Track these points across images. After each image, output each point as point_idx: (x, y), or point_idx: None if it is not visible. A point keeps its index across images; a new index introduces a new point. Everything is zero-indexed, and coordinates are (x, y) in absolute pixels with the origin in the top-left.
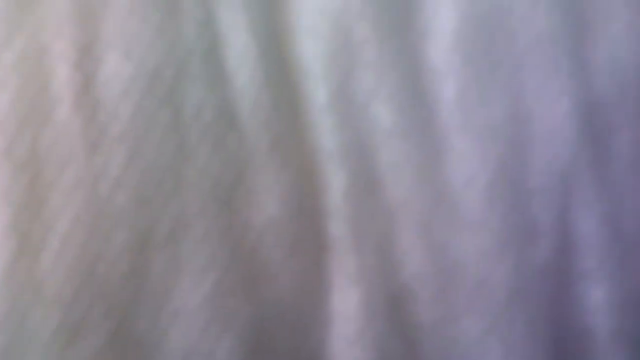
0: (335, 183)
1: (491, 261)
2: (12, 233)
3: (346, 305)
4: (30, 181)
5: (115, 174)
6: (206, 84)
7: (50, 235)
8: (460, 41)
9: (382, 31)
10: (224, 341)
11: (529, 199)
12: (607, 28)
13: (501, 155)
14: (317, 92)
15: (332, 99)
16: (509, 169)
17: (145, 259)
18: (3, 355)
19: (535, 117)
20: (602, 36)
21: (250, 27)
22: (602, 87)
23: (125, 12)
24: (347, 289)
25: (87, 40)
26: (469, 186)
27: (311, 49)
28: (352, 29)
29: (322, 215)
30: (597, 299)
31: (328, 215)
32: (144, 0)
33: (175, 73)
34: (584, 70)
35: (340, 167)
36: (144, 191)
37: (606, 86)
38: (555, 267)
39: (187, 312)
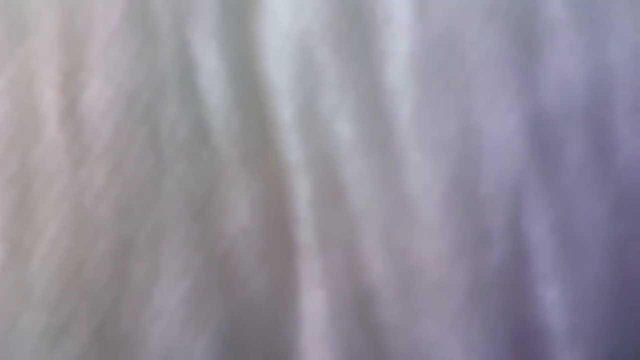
0: (302, 193)
1: (448, 265)
2: (3, 240)
3: (314, 307)
4: (20, 193)
5: (98, 187)
6: (181, 104)
7: (39, 243)
8: (415, 63)
9: (343, 54)
10: (200, 340)
11: (482, 207)
12: (553, 46)
13: (455, 167)
14: (284, 110)
15: (298, 116)
16: (462, 180)
17: (126, 264)
18: None
19: (486, 131)
20: (549, 54)
21: (221, 51)
22: (550, 102)
23: (106, 40)
24: (314, 291)
25: (72, 66)
26: (426, 195)
27: (277, 70)
28: (315, 52)
29: (290, 223)
30: (551, 300)
31: (295, 223)
32: (124, 29)
33: (152, 95)
34: (531, 87)
35: (306, 179)
36: (125, 202)
37: (554, 101)
38: (510, 270)
39: (166, 313)
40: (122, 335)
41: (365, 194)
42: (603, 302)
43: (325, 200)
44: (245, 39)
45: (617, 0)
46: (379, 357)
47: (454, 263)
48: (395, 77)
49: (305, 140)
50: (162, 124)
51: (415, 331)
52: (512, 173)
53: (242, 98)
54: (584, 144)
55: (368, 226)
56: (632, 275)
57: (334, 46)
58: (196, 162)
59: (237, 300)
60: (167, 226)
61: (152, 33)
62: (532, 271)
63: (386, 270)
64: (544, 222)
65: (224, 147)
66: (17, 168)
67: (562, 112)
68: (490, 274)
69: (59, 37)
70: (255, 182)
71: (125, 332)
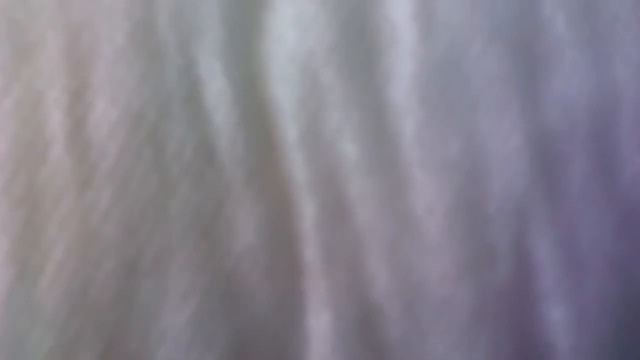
0: (307, 212)
1: (453, 282)
2: (12, 261)
3: (320, 325)
4: (28, 215)
5: (105, 207)
6: (186, 124)
7: (46, 263)
8: (418, 83)
9: (347, 75)
10: (207, 359)
11: (487, 225)
12: (557, 66)
13: (459, 186)
14: (289, 130)
15: (303, 136)
16: (466, 199)
17: (132, 284)
18: None
19: (489, 151)
20: (553, 74)
21: (226, 72)
22: (553, 121)
23: (112, 61)
24: (320, 309)
25: (78, 87)
26: (430, 214)
27: (282, 91)
28: (320, 73)
29: (296, 242)
30: (555, 317)
31: (301, 242)
32: (129, 49)
33: (158, 115)
34: (535, 107)
35: (311, 198)
36: (131, 223)
37: (557, 120)
38: (514, 288)
39: (172, 332)
40: (129, 354)
41: (369, 212)
42: (607, 319)
43: (330, 219)
44: (251, 59)
45: (620, 20)
46: None
47: (459, 281)
48: (399, 97)
49: (310, 159)
50: (168, 144)
51: (420, 349)
52: (516, 192)
53: (247, 118)
54: (588, 163)
55: (373, 245)
56: (636, 292)
57: (338, 67)
58: (202, 181)
59: (243, 319)
60: (173, 245)
61: (157, 53)
62: (536, 289)
63: (391, 289)
64: (548, 240)
65: (229, 166)
66: (24, 189)
67: (566, 131)
68: (494, 292)
69: (65, 57)
70: (261, 202)
71: (133, 351)
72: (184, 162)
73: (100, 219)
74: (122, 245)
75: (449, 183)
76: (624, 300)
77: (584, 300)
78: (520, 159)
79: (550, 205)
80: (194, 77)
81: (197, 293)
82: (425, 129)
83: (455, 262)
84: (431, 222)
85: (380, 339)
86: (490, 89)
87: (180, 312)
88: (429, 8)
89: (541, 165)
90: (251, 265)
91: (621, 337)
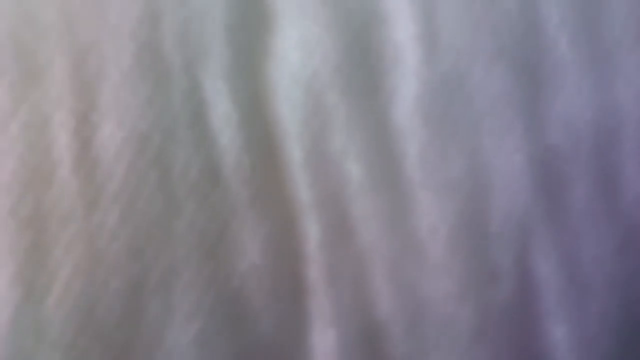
0: (312, 232)
1: (456, 301)
2: (19, 282)
3: (325, 344)
4: (35, 236)
5: (111, 228)
6: (192, 145)
7: (53, 284)
8: (422, 104)
9: (351, 96)
10: None
11: (489, 245)
12: (560, 87)
13: (461, 206)
14: (293, 151)
15: (307, 157)
16: (469, 219)
17: (138, 303)
18: None
19: (492, 171)
20: (556, 95)
21: (232, 94)
22: (556, 142)
23: (118, 83)
24: (324, 328)
25: (84, 109)
26: (433, 234)
27: (287, 112)
28: (324, 94)
29: (300, 262)
30: (558, 336)
31: (305, 262)
32: (136, 72)
33: (164, 137)
34: (538, 128)
35: (316, 218)
36: (137, 243)
37: (560, 141)
38: (517, 307)
39: (178, 351)
40: None
41: (373, 232)
42: (609, 337)
43: (334, 239)
44: (256, 81)
45: (622, 41)
46: None
47: (462, 299)
48: (402, 118)
49: (315, 180)
50: (174, 166)
51: None
52: (518, 211)
53: (252, 139)
54: (590, 183)
55: (377, 264)
56: (637, 311)
57: (342, 88)
58: (207, 202)
59: (248, 338)
60: (178, 266)
61: (163, 76)
62: (539, 307)
63: (395, 308)
64: (551, 259)
65: (234, 187)
66: (31, 211)
67: (568, 151)
68: (497, 311)
69: (72, 79)
70: (266, 222)
71: None
72: (189, 183)
73: (107, 239)
74: (128, 266)
75: (452, 203)
76: (625, 318)
77: (586, 318)
78: (523, 178)
79: (552, 225)
80: (200, 100)
81: (203, 312)
82: (429, 149)
83: (458, 280)
84: (434, 242)
85: (384, 357)
86: (494, 109)
87: (185, 331)
88: (432, 29)
89: (544, 184)
90: (256, 285)
91: (623, 355)
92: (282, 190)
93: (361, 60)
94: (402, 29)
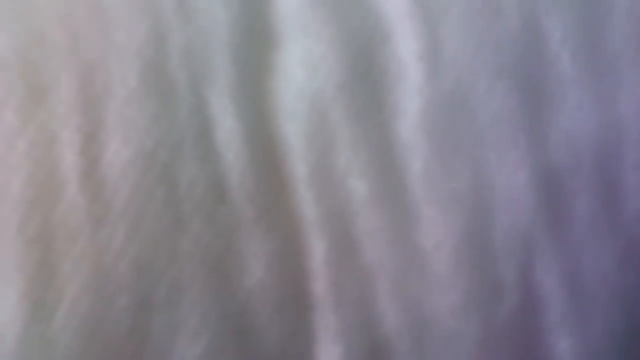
0: (317, 248)
1: (461, 316)
2: (27, 299)
3: (330, 359)
4: (42, 253)
5: (118, 245)
6: (198, 162)
7: (61, 301)
8: (426, 120)
9: (356, 112)
10: None
11: (493, 260)
12: (562, 102)
13: (466, 222)
14: (298, 167)
15: (312, 173)
16: (474, 234)
17: (145, 320)
18: None
19: (496, 187)
20: (558, 110)
21: (237, 111)
22: (559, 157)
23: (125, 101)
24: (330, 344)
25: (91, 127)
26: (438, 249)
27: (291, 129)
28: (328, 111)
29: (305, 278)
30: (562, 349)
31: (310, 278)
32: (142, 90)
33: (170, 154)
34: (541, 143)
35: (321, 234)
36: (144, 260)
37: (563, 156)
38: (522, 321)
39: None
40: None
41: (378, 248)
42: (612, 351)
43: (339, 255)
44: (261, 98)
45: (623, 55)
46: None
47: (466, 315)
48: (406, 134)
49: (320, 196)
50: (180, 183)
51: None
52: (522, 227)
53: (257, 156)
54: (593, 197)
55: (382, 280)
56: None
57: (346, 105)
58: (213, 219)
59: (254, 354)
60: (184, 282)
61: (169, 93)
62: (543, 321)
63: (400, 323)
64: (554, 274)
65: (239, 204)
66: (39, 229)
67: (571, 166)
68: (502, 325)
69: (78, 97)
70: (271, 238)
71: None
72: (195, 200)
73: (114, 256)
74: (135, 282)
75: (456, 218)
76: (628, 330)
77: (589, 332)
78: (527, 193)
79: (555, 239)
80: (205, 117)
81: (209, 328)
82: (433, 165)
83: (462, 296)
84: (439, 257)
85: None
86: (497, 126)
87: (192, 347)
88: (435, 46)
89: (547, 200)
90: (262, 301)
91: None
92: (287, 207)
93: (365, 77)
94: (405, 46)
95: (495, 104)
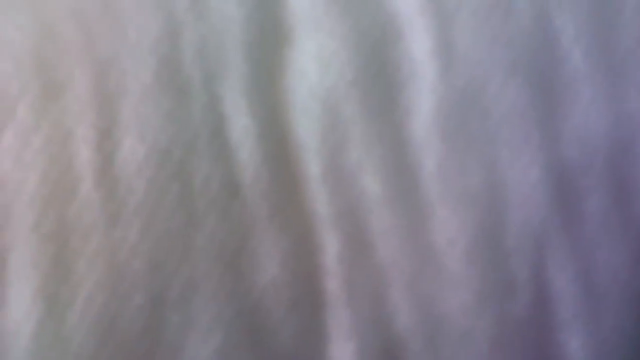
0: (330, 246)
1: (474, 314)
2: (41, 297)
3: (343, 356)
4: (57, 251)
5: (133, 242)
6: (212, 160)
7: (75, 298)
8: (439, 118)
9: (369, 110)
10: None
11: (506, 258)
12: (575, 99)
13: (479, 220)
14: (312, 165)
15: (325, 171)
16: (487, 232)
17: (159, 317)
18: None
19: (509, 184)
20: (571, 106)
21: (250, 109)
22: (571, 154)
23: (139, 98)
24: (343, 341)
25: (106, 124)
26: (451, 247)
27: (305, 127)
28: (341, 108)
29: (319, 275)
30: (574, 347)
31: (324, 275)
32: (156, 87)
33: (184, 151)
34: (553, 140)
35: (334, 232)
36: (158, 257)
37: (576, 153)
38: (534, 319)
39: None
40: None
41: (392, 246)
42: (625, 350)
43: (353, 253)
44: (274, 95)
45: (636, 52)
46: None
47: (479, 313)
48: (419, 132)
49: (333, 194)
50: (194, 180)
51: None
52: (535, 224)
53: (271, 154)
54: (606, 195)
55: (395, 278)
56: None
57: (359, 102)
58: (227, 216)
59: (267, 352)
60: (198, 279)
61: (183, 90)
62: (555, 319)
63: (413, 321)
64: (567, 272)
65: (253, 201)
66: (53, 226)
67: (584, 163)
68: (514, 323)
69: (93, 94)
70: (285, 235)
71: None
72: (209, 197)
73: (128, 253)
74: (149, 279)
75: (469, 216)
76: None
77: (602, 330)
78: (539, 191)
79: (568, 237)
80: (219, 114)
81: (222, 326)
82: (446, 163)
83: (475, 294)
84: (452, 255)
85: None
86: (510, 123)
87: (205, 345)
88: (448, 43)
89: (560, 197)
90: (275, 298)
91: None
92: (300, 204)
93: (378, 74)
94: (418, 44)
95: (508, 101)
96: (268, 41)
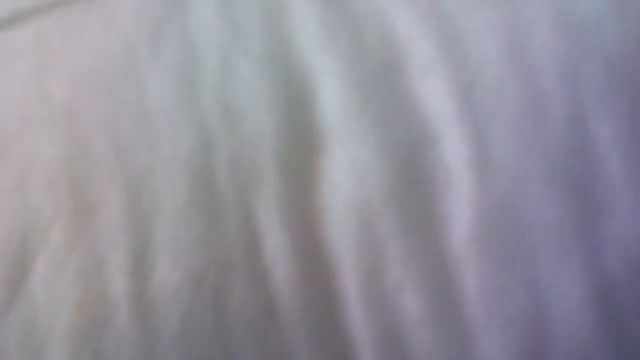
0: None
1: None
2: None
3: None
4: None
5: None
6: (247, 280)
7: None
8: (477, 231)
9: (405, 224)
10: None
11: None
12: (614, 208)
13: (522, 345)
14: (348, 285)
15: (362, 290)
16: (529, 355)
17: None
18: None
19: (552, 305)
20: (610, 217)
21: (284, 223)
22: (614, 268)
23: (173, 219)
24: None
25: (140, 247)
26: None
27: (340, 242)
28: (377, 222)
29: None
30: None
31: None
32: (190, 205)
33: (219, 272)
34: (595, 254)
35: (374, 357)
36: None
37: (618, 266)
38: None
39: None
40: None
41: None
42: None
43: None
44: (308, 210)
45: None
46: None
47: None
48: (458, 247)
49: (371, 316)
50: (230, 304)
51: None
52: (579, 348)
53: (306, 272)
54: None
55: None
56: None
57: (395, 216)
58: (264, 342)
59: None
60: None
61: (217, 206)
62: None
63: None
64: None
65: (290, 327)
66: (90, 359)
67: (627, 277)
68: None
69: (126, 214)
70: None
71: None
72: (246, 322)
73: None
74: None
75: (512, 341)
76: None
77: None
78: (584, 311)
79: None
80: (253, 229)
81: None
82: (487, 282)
83: None
84: None
85: None
86: (549, 237)
87: None
88: (483, 152)
89: (604, 317)
90: None
91: None
92: (337, 327)
93: (413, 185)
94: (453, 152)
95: (546, 214)
96: (300, 150)
